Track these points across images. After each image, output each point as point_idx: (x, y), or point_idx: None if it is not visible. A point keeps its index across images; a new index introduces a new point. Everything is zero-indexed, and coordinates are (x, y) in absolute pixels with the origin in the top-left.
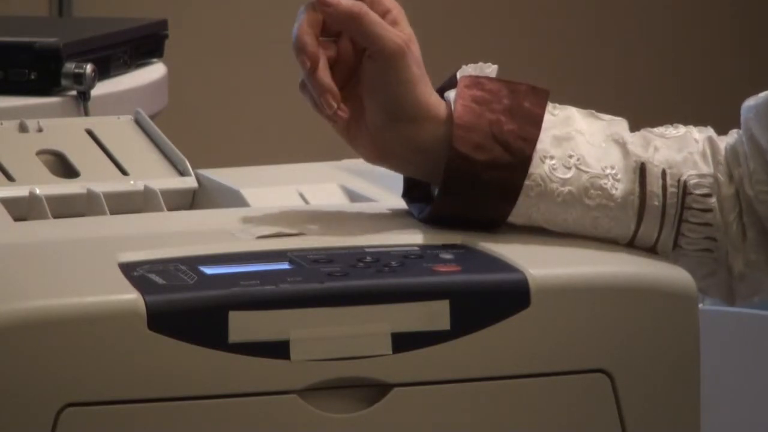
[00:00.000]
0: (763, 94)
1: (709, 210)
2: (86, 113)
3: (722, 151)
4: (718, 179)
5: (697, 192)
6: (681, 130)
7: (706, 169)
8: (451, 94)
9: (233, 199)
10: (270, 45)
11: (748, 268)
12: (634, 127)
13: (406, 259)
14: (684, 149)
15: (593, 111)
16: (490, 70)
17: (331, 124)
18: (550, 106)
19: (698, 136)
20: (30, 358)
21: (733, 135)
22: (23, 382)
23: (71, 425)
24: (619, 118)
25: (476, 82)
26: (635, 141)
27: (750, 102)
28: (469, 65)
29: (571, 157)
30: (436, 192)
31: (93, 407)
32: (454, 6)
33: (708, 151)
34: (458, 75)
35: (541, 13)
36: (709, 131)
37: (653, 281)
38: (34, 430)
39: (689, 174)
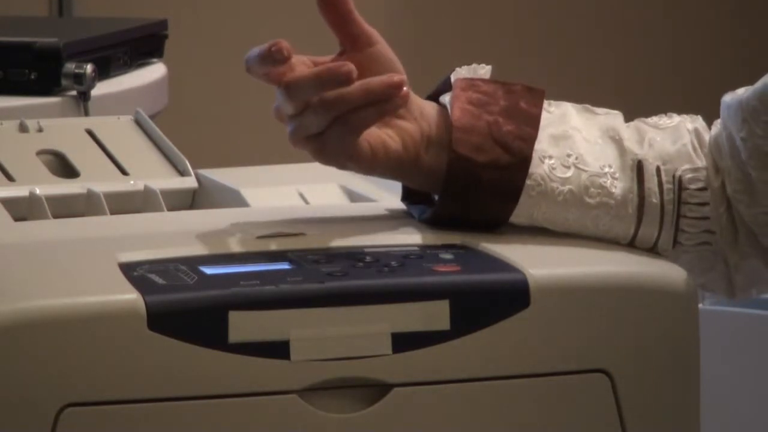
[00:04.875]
0: (739, 91)
1: (705, 203)
2: (86, 113)
3: (707, 143)
4: (708, 172)
5: (693, 186)
6: (674, 119)
7: (700, 162)
8: (446, 98)
9: (233, 199)
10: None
11: (743, 258)
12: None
13: (406, 259)
14: (678, 141)
15: (588, 106)
16: (484, 71)
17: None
18: (545, 104)
19: (690, 126)
20: (30, 358)
21: (717, 126)
22: (23, 382)
23: (71, 425)
24: (615, 112)
25: (471, 84)
26: (630, 136)
27: (726, 98)
28: (462, 67)
29: (569, 156)
30: (436, 197)
31: (93, 407)
32: (452, 6)
33: (696, 144)
34: (452, 77)
35: (539, 12)
36: (698, 121)
37: (653, 281)
38: (34, 430)
39: (684, 168)
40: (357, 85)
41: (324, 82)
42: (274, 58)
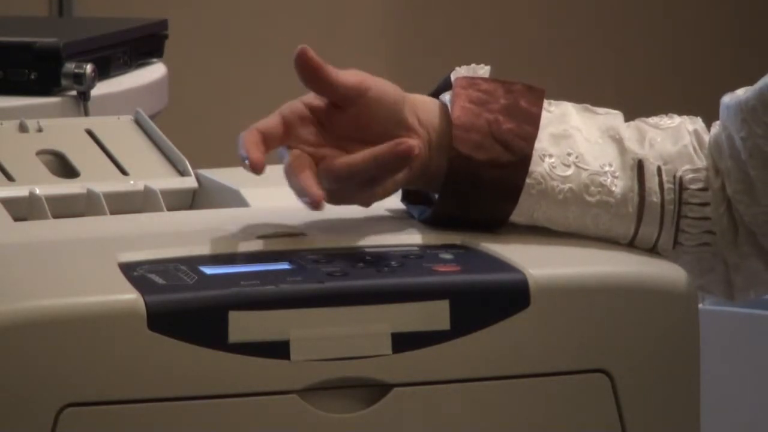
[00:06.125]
0: (739, 92)
1: (706, 204)
2: (86, 113)
3: (706, 144)
4: (708, 172)
5: (693, 187)
6: (675, 120)
7: (700, 162)
8: (446, 97)
9: (233, 199)
10: (270, 45)
11: (742, 259)
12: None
13: (406, 259)
14: (679, 141)
15: (588, 105)
16: (483, 71)
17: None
18: (545, 103)
19: (690, 127)
20: (30, 358)
21: (716, 126)
22: (23, 382)
23: (71, 425)
24: (615, 112)
25: (472, 82)
26: (631, 136)
27: (725, 99)
28: (462, 67)
29: (569, 155)
30: (435, 196)
31: (93, 407)
32: (452, 5)
33: (696, 144)
34: (452, 77)
35: (539, 12)
36: (698, 123)
37: (653, 281)
38: (34, 430)
39: (684, 169)
40: (367, 155)
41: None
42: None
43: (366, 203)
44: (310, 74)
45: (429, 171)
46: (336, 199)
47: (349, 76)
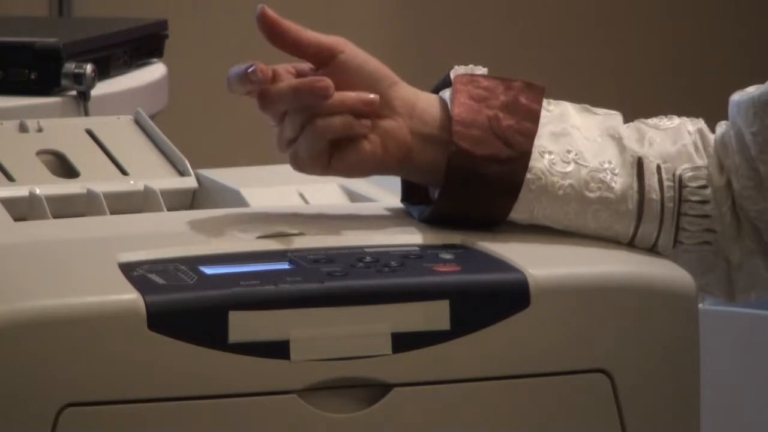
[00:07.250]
0: (748, 90)
1: (706, 201)
2: (86, 113)
3: (712, 143)
4: (710, 170)
5: (693, 185)
6: (675, 121)
7: (700, 161)
8: (446, 93)
9: (233, 199)
10: (270, 45)
11: (745, 256)
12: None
13: (406, 259)
14: (678, 141)
15: (587, 105)
16: (481, 72)
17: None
18: (545, 102)
19: (691, 127)
20: (30, 358)
21: (722, 126)
22: (23, 382)
23: (71, 425)
24: (614, 112)
25: (472, 79)
26: (630, 135)
27: (735, 97)
28: (460, 66)
29: (569, 152)
30: (435, 194)
31: (93, 407)
32: (451, 5)
33: (700, 143)
34: (451, 75)
35: (539, 12)
36: (700, 123)
37: (653, 281)
38: (34, 430)
39: (684, 167)
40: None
41: (301, 95)
42: (250, 79)
43: (322, 170)
44: (272, 30)
45: (416, 162)
46: (294, 150)
47: (325, 37)
